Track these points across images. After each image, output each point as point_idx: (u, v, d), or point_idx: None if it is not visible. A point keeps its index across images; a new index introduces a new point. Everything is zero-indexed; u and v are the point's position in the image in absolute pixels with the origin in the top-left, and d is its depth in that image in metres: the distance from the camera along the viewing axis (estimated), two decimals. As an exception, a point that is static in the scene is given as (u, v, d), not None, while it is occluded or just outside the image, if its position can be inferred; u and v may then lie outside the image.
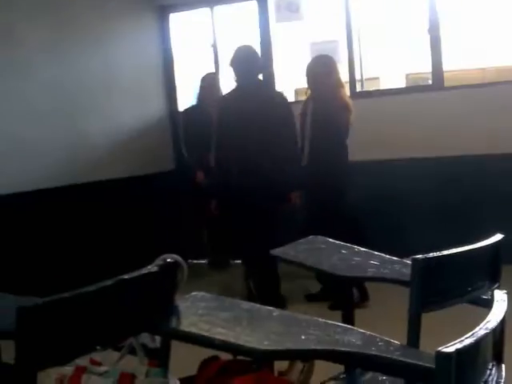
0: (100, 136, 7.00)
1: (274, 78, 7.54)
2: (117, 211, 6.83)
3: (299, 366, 2.51)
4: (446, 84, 6.85)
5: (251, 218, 5.42)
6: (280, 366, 2.52)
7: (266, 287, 5.62)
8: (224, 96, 5.70)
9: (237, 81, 5.50)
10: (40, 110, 6.37)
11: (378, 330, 2.08)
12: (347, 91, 6.23)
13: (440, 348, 1.60)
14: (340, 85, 5.78)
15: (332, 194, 5.59)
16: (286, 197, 5.56)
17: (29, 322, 1.87)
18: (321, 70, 5.71)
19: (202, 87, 7.10)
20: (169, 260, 2.32)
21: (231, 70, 5.52)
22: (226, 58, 7.81)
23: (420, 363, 1.92)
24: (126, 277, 2.14)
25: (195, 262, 7.11)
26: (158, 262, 2.32)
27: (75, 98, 6.73)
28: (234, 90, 5.58)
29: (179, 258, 2.34)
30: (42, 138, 6.35)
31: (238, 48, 5.59)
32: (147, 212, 7.14)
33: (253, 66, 5.44)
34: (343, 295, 2.98)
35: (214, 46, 7.83)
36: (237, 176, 5.36)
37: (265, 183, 5.28)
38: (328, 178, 5.57)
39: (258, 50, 7.39)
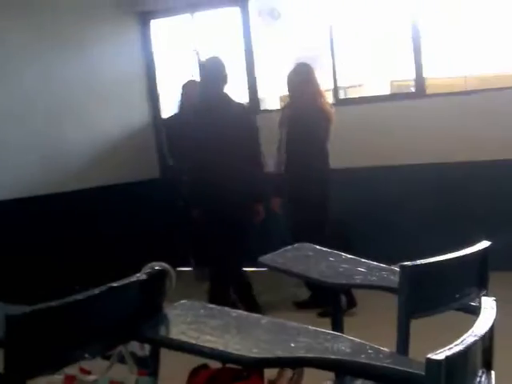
0: (83, 143, 6.97)
1: (256, 85, 7.56)
2: (102, 219, 6.80)
3: (288, 373, 2.51)
4: (429, 91, 6.89)
5: (219, 229, 5.49)
6: (270, 373, 2.52)
7: (247, 295, 5.67)
8: (193, 108, 5.77)
9: (201, 93, 5.59)
10: (21, 117, 6.34)
11: (367, 337, 2.09)
12: (328, 99, 6.25)
13: (429, 355, 1.60)
14: (319, 93, 5.80)
15: (311, 201, 5.62)
16: (252, 206, 5.59)
17: (18, 330, 1.87)
18: (299, 79, 5.76)
19: (182, 94, 7.07)
20: (157, 268, 2.32)
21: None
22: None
23: (410, 370, 1.92)
24: (114, 285, 2.13)
25: (183, 269, 7.09)
26: (146, 269, 2.31)
27: (57, 105, 6.70)
28: (199, 102, 5.67)
29: (167, 266, 2.33)
30: (22, 145, 6.32)
31: (206, 60, 5.68)
32: (133, 220, 7.11)
33: (217, 77, 5.49)
34: (332, 302, 2.98)
35: (197, 52, 7.83)
36: (201, 187, 5.44)
37: (227, 194, 5.34)
38: (305, 184, 5.60)
39: (242, 56, 7.46)
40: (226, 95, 5.57)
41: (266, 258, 2.80)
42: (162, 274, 2.29)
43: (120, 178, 7.05)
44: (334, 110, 5.86)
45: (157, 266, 2.33)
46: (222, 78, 5.52)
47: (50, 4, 6.76)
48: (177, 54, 8.27)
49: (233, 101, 5.64)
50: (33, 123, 6.46)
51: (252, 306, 5.37)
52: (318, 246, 2.95)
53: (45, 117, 6.58)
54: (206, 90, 5.54)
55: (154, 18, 8.02)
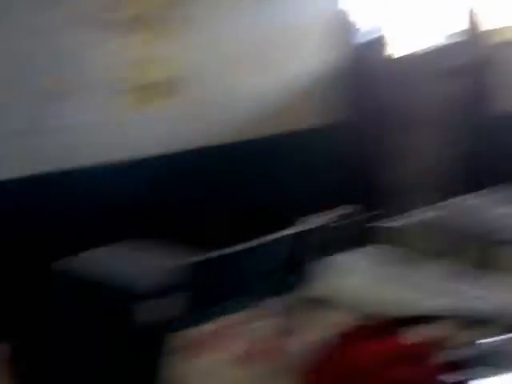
0: (269, 89, 6.97)
1: None
2: (282, 165, 6.79)
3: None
4: None
5: None
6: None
7: None
8: None
9: None
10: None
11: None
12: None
13: None
14: None
15: None
16: None
17: (200, 274, 2.08)
18: None
19: None
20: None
21: None
22: None
23: None
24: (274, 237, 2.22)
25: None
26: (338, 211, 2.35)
27: (244, 51, 6.74)
28: None
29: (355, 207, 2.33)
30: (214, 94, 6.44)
31: None
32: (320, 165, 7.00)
33: None
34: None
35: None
36: None
37: None
38: None
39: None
40: None
41: None
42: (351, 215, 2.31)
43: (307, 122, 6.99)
44: None
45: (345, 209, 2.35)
46: None
47: None
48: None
49: None
50: (216, 70, 6.51)
51: None
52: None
53: (230, 64, 6.61)
54: None
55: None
